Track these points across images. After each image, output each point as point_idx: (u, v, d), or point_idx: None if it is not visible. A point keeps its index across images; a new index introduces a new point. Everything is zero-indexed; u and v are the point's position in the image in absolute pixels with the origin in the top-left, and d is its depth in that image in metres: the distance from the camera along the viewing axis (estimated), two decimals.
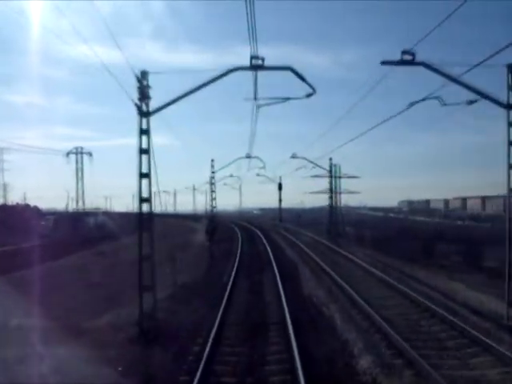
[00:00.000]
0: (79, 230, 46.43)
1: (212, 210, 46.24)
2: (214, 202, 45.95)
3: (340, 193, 39.14)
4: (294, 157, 37.82)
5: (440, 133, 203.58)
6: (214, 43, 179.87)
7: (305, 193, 65.09)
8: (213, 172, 43.96)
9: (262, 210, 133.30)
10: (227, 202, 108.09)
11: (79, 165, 41.97)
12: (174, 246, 28.29)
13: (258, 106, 14.93)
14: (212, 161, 44.37)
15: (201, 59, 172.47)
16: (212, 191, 45.41)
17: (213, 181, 44.81)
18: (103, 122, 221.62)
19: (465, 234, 35.63)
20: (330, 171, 39.44)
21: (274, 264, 23.18)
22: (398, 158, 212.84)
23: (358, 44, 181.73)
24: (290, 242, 38.07)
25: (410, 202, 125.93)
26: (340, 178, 51.19)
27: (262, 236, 43.20)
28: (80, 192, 40.93)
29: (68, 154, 41.73)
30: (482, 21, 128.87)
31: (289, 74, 12.02)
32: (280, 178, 57.97)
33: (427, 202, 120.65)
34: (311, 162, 38.55)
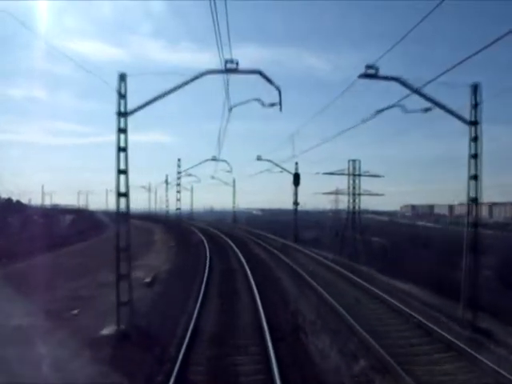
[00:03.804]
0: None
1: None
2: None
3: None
4: None
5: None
6: (213, 42, 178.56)
7: (315, 193, 52.68)
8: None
9: (264, 210, 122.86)
10: (224, 201, 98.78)
11: None
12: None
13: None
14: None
15: (199, 58, 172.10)
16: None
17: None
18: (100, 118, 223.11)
19: None
20: None
21: None
22: (398, 161, 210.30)
23: (357, 47, 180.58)
24: None
25: (414, 207, 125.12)
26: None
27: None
28: None
29: None
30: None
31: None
32: (296, 165, 36.41)
33: (431, 207, 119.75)
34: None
